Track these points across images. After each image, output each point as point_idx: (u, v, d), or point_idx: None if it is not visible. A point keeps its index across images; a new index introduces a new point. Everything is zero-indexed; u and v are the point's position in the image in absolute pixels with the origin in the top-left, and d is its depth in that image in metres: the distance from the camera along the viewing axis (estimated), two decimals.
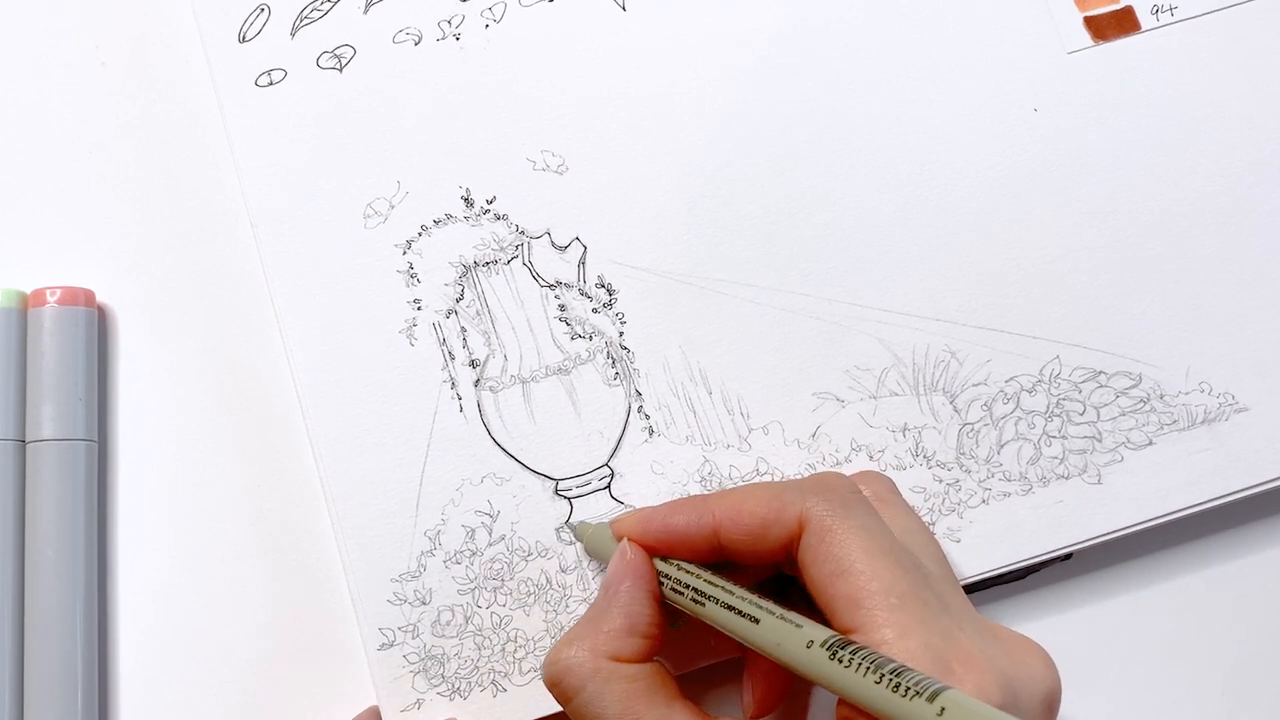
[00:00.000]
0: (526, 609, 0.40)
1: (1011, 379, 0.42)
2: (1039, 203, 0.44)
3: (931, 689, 0.28)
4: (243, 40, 0.45)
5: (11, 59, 0.48)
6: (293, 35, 0.45)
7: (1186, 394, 0.42)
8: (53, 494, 0.43)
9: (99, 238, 0.47)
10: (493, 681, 0.40)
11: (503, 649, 0.40)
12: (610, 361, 0.42)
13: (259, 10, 0.45)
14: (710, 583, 0.35)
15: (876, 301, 0.43)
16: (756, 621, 0.33)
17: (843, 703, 0.31)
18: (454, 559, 0.41)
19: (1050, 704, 0.33)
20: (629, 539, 0.37)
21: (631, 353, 0.42)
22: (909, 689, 0.28)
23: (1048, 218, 0.43)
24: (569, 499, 0.41)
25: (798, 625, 0.32)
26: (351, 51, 0.45)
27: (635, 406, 0.42)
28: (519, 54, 0.45)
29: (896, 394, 0.42)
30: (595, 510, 0.41)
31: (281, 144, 0.44)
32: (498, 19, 0.45)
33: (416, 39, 0.45)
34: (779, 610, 0.33)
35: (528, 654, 0.40)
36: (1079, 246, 0.43)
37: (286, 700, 0.43)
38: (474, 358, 0.42)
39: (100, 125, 0.48)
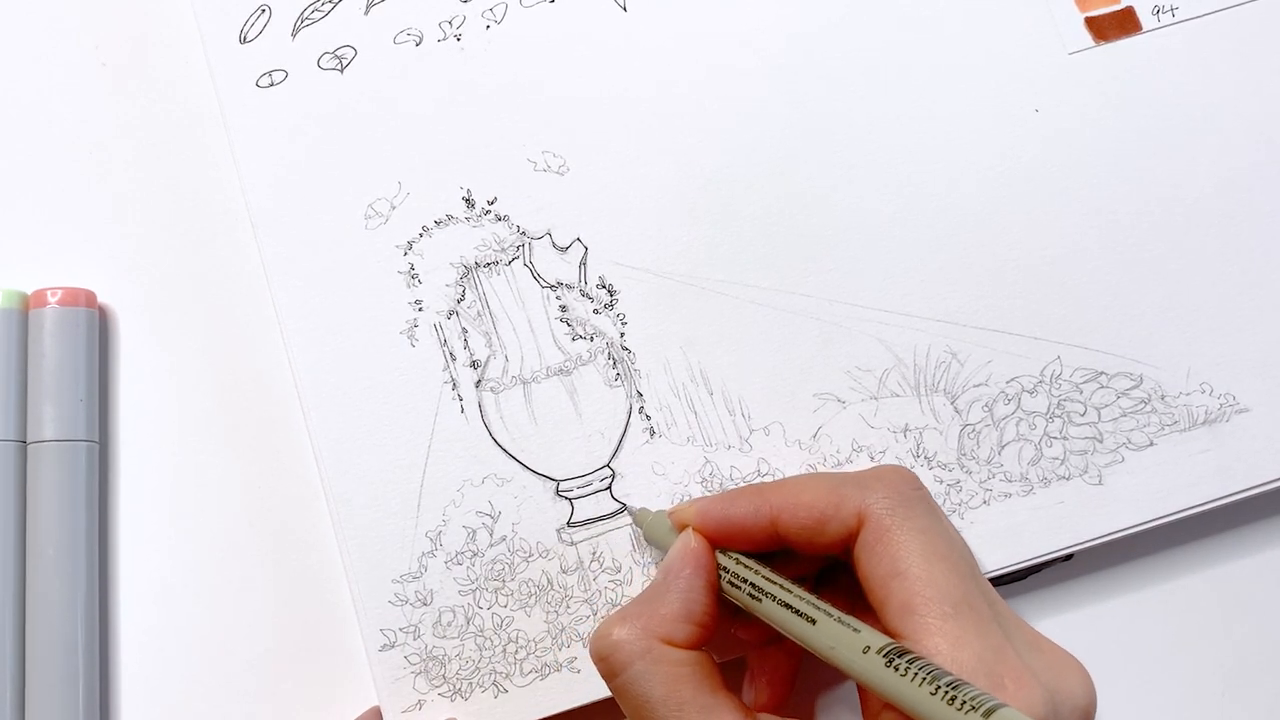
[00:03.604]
0: (527, 610, 0.40)
1: (1012, 380, 0.42)
2: (1040, 203, 0.44)
3: (987, 705, 0.28)
4: (243, 41, 0.45)
5: (11, 59, 0.48)
6: (293, 36, 0.45)
7: (1187, 395, 0.42)
8: (53, 494, 0.43)
9: (99, 238, 0.47)
10: (494, 682, 0.40)
11: (504, 650, 0.40)
12: (611, 362, 0.42)
13: (260, 11, 0.45)
14: (768, 579, 0.35)
15: (877, 302, 0.43)
16: (813, 622, 0.33)
17: (888, 707, 0.31)
18: (455, 560, 0.41)
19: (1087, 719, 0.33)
20: (692, 528, 0.37)
21: (632, 353, 0.42)
22: (965, 703, 0.28)
23: (1049, 218, 0.43)
24: (570, 500, 0.41)
25: (855, 630, 0.32)
26: (352, 52, 0.45)
27: (636, 407, 0.42)
28: (520, 55, 0.45)
29: (897, 395, 0.42)
30: (596, 511, 0.41)
31: (282, 145, 0.44)
32: (499, 20, 0.45)
33: (417, 40, 0.45)
34: (836, 613, 0.33)
35: (529, 655, 0.40)
36: (1080, 247, 0.43)
37: (287, 700, 0.43)
38: (475, 358, 0.42)
39: (100, 125, 0.48)
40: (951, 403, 0.42)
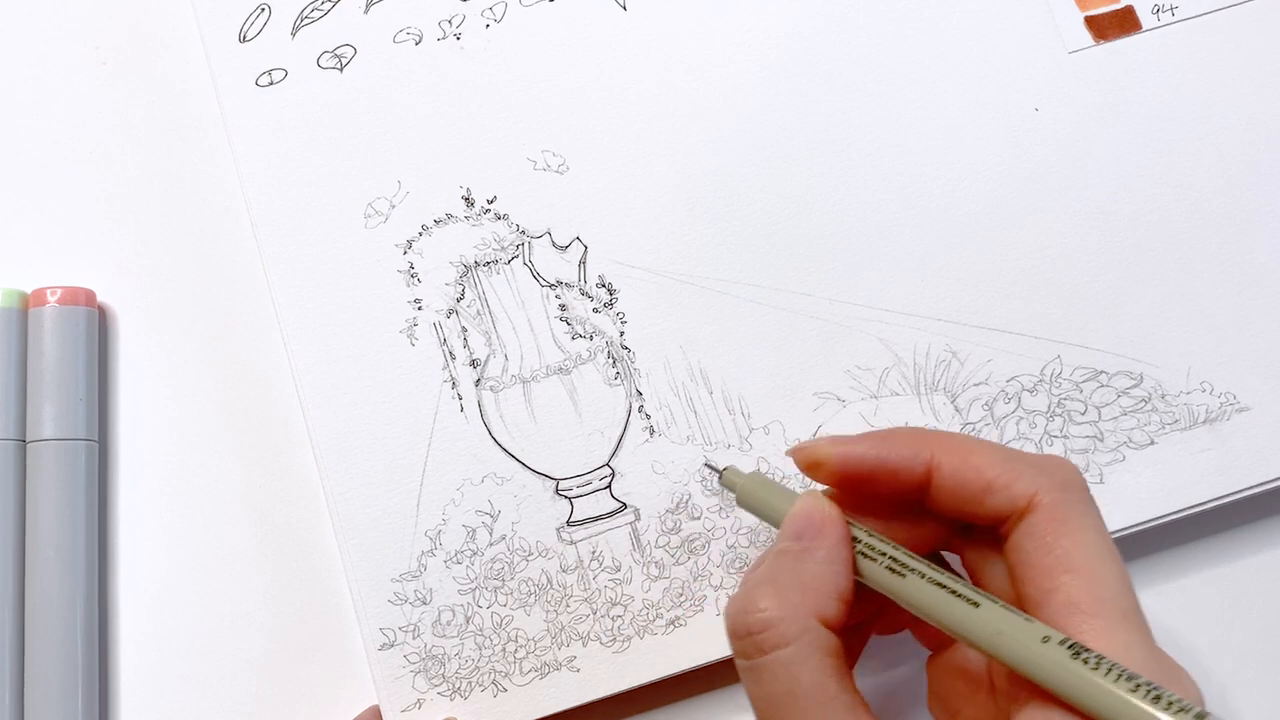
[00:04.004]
0: (527, 609, 0.40)
1: (1013, 379, 0.42)
2: (1040, 202, 0.44)
3: (1196, 711, 0.26)
4: (243, 40, 0.45)
5: (11, 59, 0.48)
6: (293, 35, 0.45)
7: (1188, 394, 0.42)
8: (53, 494, 0.43)
9: (99, 238, 0.47)
10: (493, 681, 0.40)
11: (503, 649, 0.40)
12: (611, 361, 0.42)
13: (259, 10, 0.45)
14: (910, 555, 0.32)
15: (877, 301, 0.43)
16: (976, 605, 0.30)
17: (1038, 698, 0.29)
18: (454, 559, 0.41)
19: None
20: (827, 468, 0.33)
21: (632, 352, 0.42)
22: (1173, 704, 0.26)
23: (1049, 217, 0.43)
24: (570, 499, 0.41)
25: (1026, 619, 0.30)
26: (352, 51, 0.45)
27: (636, 406, 0.42)
28: (520, 54, 0.45)
29: (898, 394, 0.42)
30: (596, 510, 0.41)
31: (282, 144, 0.44)
32: (498, 19, 0.45)
33: (417, 39, 0.45)
34: (998, 599, 0.31)
35: (528, 654, 0.40)
36: (1080, 246, 0.43)
37: (287, 700, 0.43)
38: (475, 357, 0.42)
39: (100, 125, 0.48)
40: (952, 401, 0.42)
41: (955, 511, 0.33)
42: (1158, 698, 0.26)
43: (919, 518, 0.34)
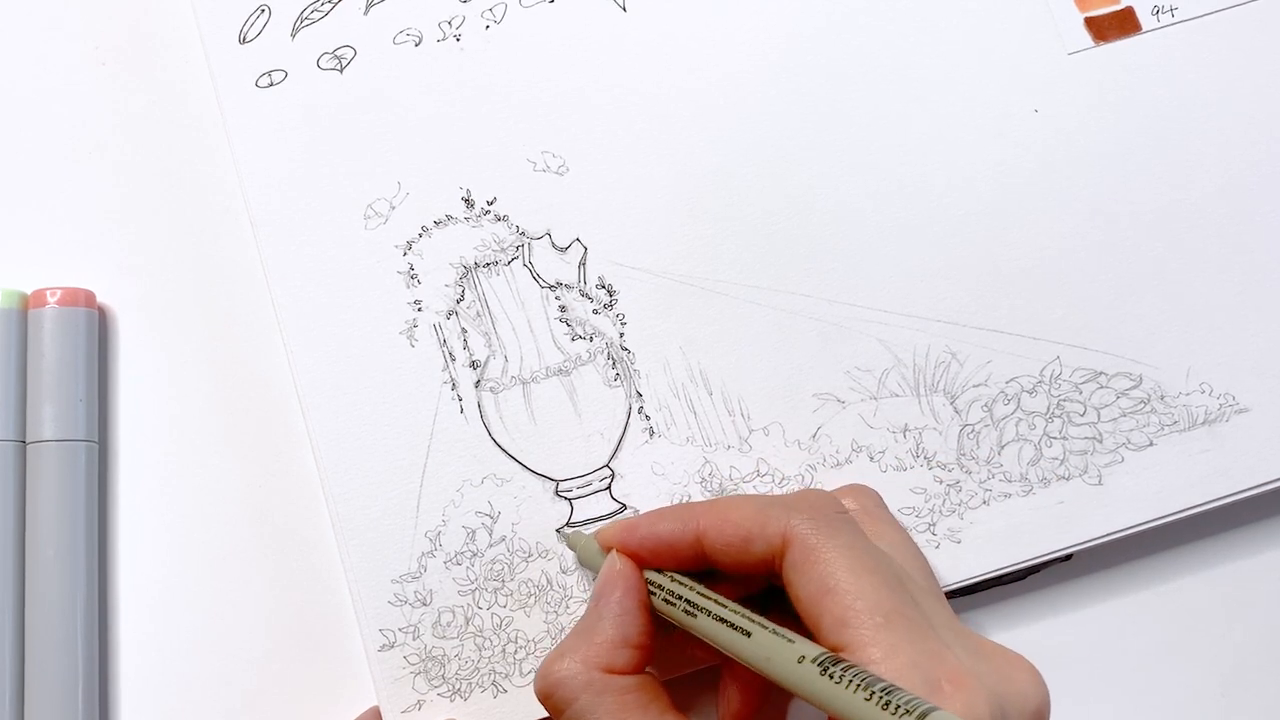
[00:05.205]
0: (527, 610, 0.40)
1: (1012, 380, 0.42)
2: (1040, 203, 0.44)
3: (921, 709, 0.28)
4: (243, 41, 0.45)
5: (11, 59, 0.48)
6: (293, 36, 0.45)
7: (1187, 395, 0.42)
8: (53, 495, 0.43)
9: (99, 238, 0.47)
10: (493, 682, 0.40)
11: (503, 650, 0.40)
12: (611, 362, 0.42)
13: (259, 11, 0.45)
14: (702, 595, 0.35)
15: (877, 302, 0.43)
16: (748, 635, 0.33)
17: None
18: (454, 560, 0.41)
19: None
20: (616, 549, 0.37)
21: (632, 353, 0.42)
22: (899, 707, 0.28)
23: (1048, 218, 0.43)
24: (569, 500, 0.41)
25: (789, 640, 0.32)
26: (352, 52, 0.45)
27: (636, 407, 0.42)
28: (519, 55, 0.45)
29: (897, 395, 0.42)
30: (595, 511, 0.41)
31: (282, 145, 0.44)
32: (498, 20, 0.45)
33: (417, 40, 0.45)
34: (771, 625, 0.33)
35: (528, 655, 0.40)
36: (1080, 247, 0.43)
37: (287, 701, 0.43)
38: (474, 359, 0.42)
39: (100, 125, 0.48)
40: (951, 403, 0.42)
41: (734, 566, 0.35)
42: (888, 703, 0.29)
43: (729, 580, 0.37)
